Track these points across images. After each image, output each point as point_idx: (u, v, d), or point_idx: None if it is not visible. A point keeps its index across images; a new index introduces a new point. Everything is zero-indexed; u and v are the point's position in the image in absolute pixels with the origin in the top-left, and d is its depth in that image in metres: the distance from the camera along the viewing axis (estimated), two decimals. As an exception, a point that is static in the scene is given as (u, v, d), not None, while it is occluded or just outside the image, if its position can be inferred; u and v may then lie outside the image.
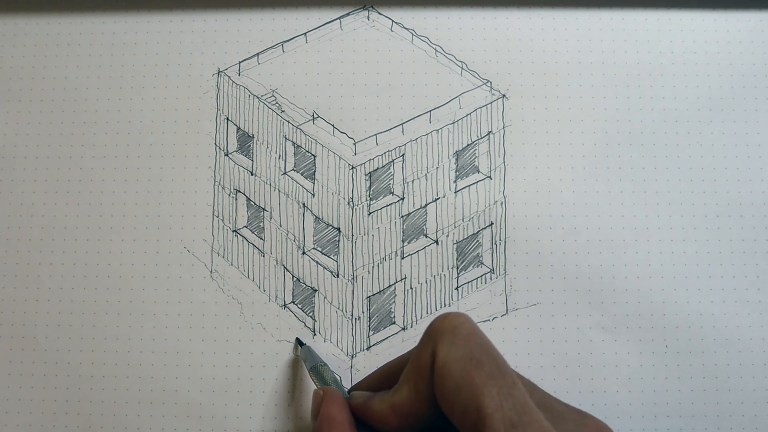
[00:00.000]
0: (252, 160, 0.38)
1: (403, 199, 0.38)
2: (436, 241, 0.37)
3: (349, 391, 0.32)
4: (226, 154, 0.38)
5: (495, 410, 0.25)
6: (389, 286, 0.37)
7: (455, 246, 0.37)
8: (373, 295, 0.37)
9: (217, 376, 0.36)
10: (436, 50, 0.39)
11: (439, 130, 0.38)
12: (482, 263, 0.37)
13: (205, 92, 0.39)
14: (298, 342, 0.36)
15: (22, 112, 0.39)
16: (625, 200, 0.38)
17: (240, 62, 0.39)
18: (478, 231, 0.38)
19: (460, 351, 0.26)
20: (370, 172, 0.38)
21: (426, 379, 0.27)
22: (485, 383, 0.25)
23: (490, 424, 0.24)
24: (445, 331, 0.27)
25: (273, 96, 0.39)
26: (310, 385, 0.35)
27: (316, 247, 0.37)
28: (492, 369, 0.26)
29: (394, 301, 0.37)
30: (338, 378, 0.34)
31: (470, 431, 0.25)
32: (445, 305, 0.37)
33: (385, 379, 0.31)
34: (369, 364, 0.36)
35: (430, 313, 0.37)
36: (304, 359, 0.35)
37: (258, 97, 0.38)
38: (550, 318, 0.37)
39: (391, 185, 0.38)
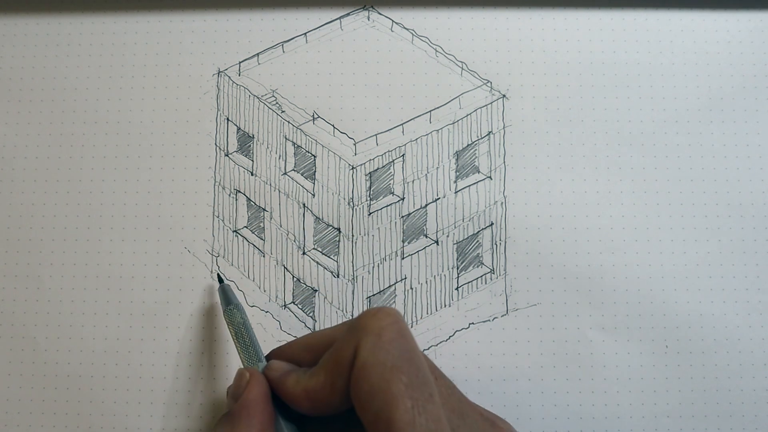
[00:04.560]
0: (252, 161, 0.38)
1: (403, 199, 0.38)
2: (437, 241, 0.37)
3: (269, 355, 0.32)
4: (226, 154, 0.38)
5: (406, 425, 0.24)
6: (389, 286, 0.37)
7: (455, 246, 0.37)
8: (374, 295, 0.37)
9: (218, 377, 0.36)
10: (436, 50, 0.39)
11: (439, 130, 0.38)
12: (482, 263, 0.37)
13: (205, 92, 0.39)
14: (219, 279, 0.36)
15: (22, 112, 0.39)
16: (625, 200, 0.38)
17: (240, 62, 0.39)
18: (478, 231, 0.38)
19: (382, 356, 0.26)
20: (370, 172, 0.38)
21: (344, 375, 0.27)
22: (401, 394, 0.25)
23: None
24: (371, 331, 0.27)
25: (273, 96, 0.39)
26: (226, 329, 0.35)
27: (316, 247, 0.37)
28: (411, 379, 0.25)
29: (395, 302, 0.37)
30: (249, 322, 0.34)
31: None
32: (445, 305, 0.37)
33: (307, 352, 0.30)
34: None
35: (431, 313, 0.37)
36: (220, 298, 0.35)
37: (258, 97, 0.38)
38: (550, 318, 0.37)
39: (391, 185, 0.38)
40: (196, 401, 0.36)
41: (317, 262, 0.37)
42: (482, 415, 0.29)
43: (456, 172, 0.38)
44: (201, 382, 0.36)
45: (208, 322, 0.36)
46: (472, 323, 0.37)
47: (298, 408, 0.29)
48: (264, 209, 0.38)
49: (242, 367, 0.32)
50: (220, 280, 0.36)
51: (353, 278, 0.37)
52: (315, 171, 0.38)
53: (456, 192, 0.38)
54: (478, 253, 0.37)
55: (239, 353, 0.32)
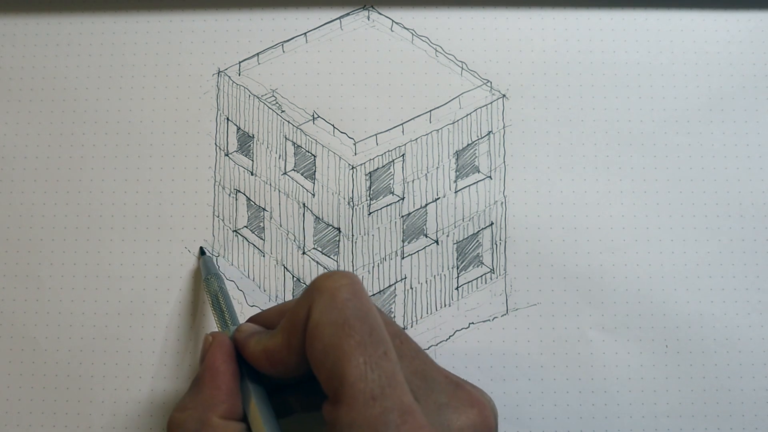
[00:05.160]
0: (252, 160, 0.38)
1: (403, 199, 0.38)
2: (436, 241, 0.37)
3: (248, 321, 0.32)
4: (226, 154, 0.38)
5: (358, 379, 0.25)
6: (389, 286, 0.37)
7: (455, 246, 0.37)
8: (374, 295, 0.37)
9: (217, 376, 0.36)
10: (436, 50, 0.39)
11: (439, 130, 0.38)
12: (482, 263, 0.37)
13: (205, 92, 0.39)
14: (201, 251, 0.37)
15: (22, 112, 0.39)
16: (625, 200, 0.38)
17: (240, 62, 0.39)
18: (478, 231, 0.38)
19: (334, 315, 0.26)
20: (370, 172, 0.38)
21: (299, 335, 0.27)
22: (353, 351, 0.25)
23: (351, 393, 0.24)
24: (325, 291, 0.27)
25: (273, 96, 0.39)
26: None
27: (316, 247, 0.37)
28: (363, 337, 0.25)
29: (395, 301, 0.37)
30: (226, 290, 0.34)
31: (331, 395, 0.25)
32: (445, 305, 0.37)
33: (279, 316, 0.31)
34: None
35: (431, 313, 0.37)
36: (201, 270, 0.36)
37: (258, 97, 0.38)
38: (550, 318, 0.37)
39: (391, 185, 0.38)
40: (196, 401, 0.36)
41: (317, 262, 0.37)
42: (448, 377, 0.28)
43: (456, 171, 0.38)
44: (201, 382, 0.36)
45: (209, 322, 0.36)
46: (472, 323, 0.37)
47: (259, 368, 0.29)
48: (264, 209, 0.38)
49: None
50: (203, 253, 0.36)
51: (353, 278, 0.37)
52: (315, 171, 0.38)
53: (456, 192, 0.38)
54: (478, 253, 0.37)
55: (215, 320, 0.33)
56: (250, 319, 0.32)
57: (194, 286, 0.37)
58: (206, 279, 0.34)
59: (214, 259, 0.37)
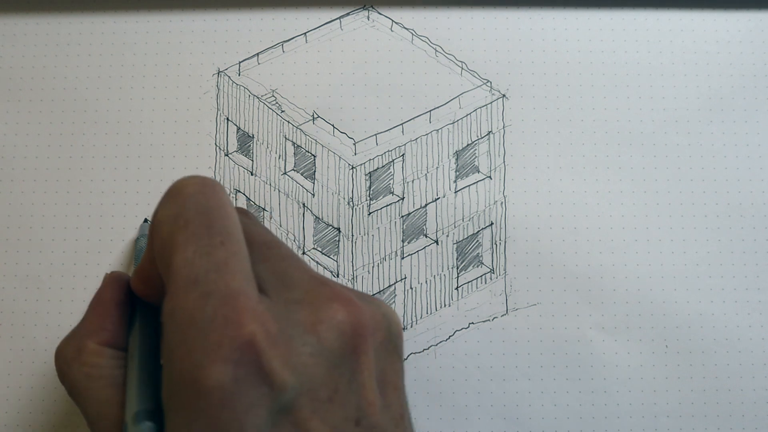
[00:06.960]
0: (252, 160, 0.38)
1: (403, 199, 0.38)
2: (436, 241, 0.37)
3: None
4: (226, 154, 0.38)
5: (182, 266, 0.23)
6: (389, 286, 0.37)
7: (455, 246, 0.37)
8: (373, 295, 0.37)
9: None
10: (436, 50, 0.39)
11: (439, 130, 0.38)
12: (482, 263, 0.37)
13: (205, 92, 0.39)
14: (145, 220, 0.37)
15: (22, 112, 0.39)
16: (625, 200, 0.38)
17: (240, 62, 0.39)
18: (478, 231, 0.38)
19: (174, 209, 0.25)
20: (370, 172, 0.38)
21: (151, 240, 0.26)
22: (185, 242, 0.24)
23: (174, 280, 0.23)
24: (171, 190, 0.25)
25: (273, 96, 0.39)
26: None
27: (316, 247, 0.37)
28: (198, 228, 0.24)
29: (394, 301, 0.37)
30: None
31: (167, 290, 0.24)
32: (445, 305, 0.37)
33: None
34: (369, 364, 0.36)
35: (430, 313, 0.37)
36: (138, 233, 0.37)
37: (258, 97, 0.38)
38: (550, 318, 0.37)
39: (391, 185, 0.38)
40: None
41: (317, 262, 0.37)
42: (315, 277, 0.26)
43: (456, 171, 0.38)
44: (201, 382, 0.36)
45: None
46: (472, 323, 0.37)
47: (138, 293, 0.28)
48: (264, 209, 0.38)
49: None
50: (146, 221, 0.37)
51: (353, 278, 0.37)
52: (315, 171, 0.38)
53: (456, 192, 0.38)
54: (478, 253, 0.37)
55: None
56: None
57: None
58: (137, 239, 0.35)
59: None
